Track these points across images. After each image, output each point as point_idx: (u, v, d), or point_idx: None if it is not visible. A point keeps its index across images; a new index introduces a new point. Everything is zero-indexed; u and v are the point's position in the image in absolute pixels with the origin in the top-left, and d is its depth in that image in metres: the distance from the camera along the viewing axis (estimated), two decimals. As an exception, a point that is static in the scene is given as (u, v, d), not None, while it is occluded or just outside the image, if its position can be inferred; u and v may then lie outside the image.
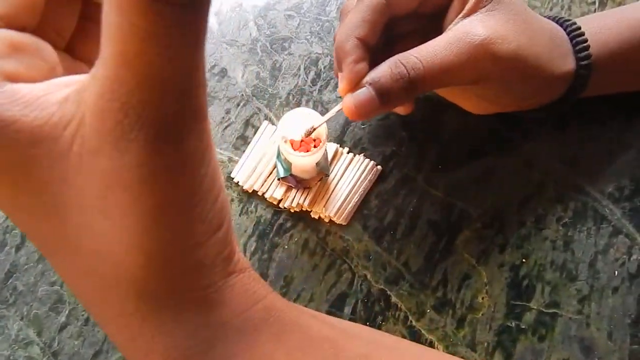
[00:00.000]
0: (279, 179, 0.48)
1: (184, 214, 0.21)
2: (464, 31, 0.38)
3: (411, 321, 0.46)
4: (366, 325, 0.46)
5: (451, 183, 0.49)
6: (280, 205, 0.49)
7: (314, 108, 0.52)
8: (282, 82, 0.53)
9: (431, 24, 0.42)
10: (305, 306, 0.46)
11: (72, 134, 0.19)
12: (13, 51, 0.21)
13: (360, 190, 0.49)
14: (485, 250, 0.47)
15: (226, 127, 0.52)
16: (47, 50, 0.22)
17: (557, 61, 0.41)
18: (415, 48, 0.39)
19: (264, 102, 0.52)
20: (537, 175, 0.49)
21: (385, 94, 0.38)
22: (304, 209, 0.48)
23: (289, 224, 0.49)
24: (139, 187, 0.19)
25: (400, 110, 0.47)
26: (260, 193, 0.49)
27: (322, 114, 0.42)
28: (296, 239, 0.48)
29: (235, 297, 0.24)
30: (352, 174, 0.49)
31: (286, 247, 0.48)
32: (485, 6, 0.39)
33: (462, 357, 0.44)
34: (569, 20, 0.43)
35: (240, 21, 0.55)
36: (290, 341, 0.25)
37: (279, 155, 0.48)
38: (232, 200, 0.49)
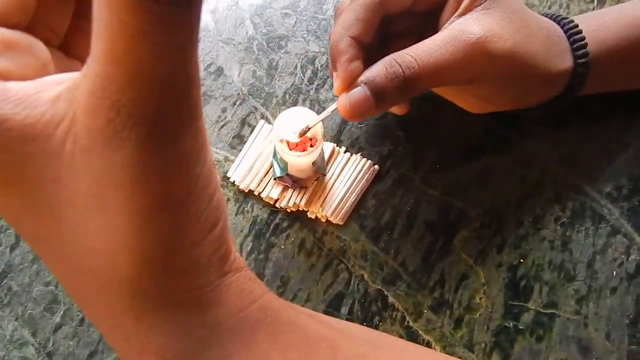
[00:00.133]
0: (275, 179, 0.48)
1: (179, 213, 0.20)
2: (460, 30, 0.38)
3: (408, 321, 0.45)
4: (363, 325, 0.45)
5: (448, 183, 0.49)
6: (277, 205, 0.48)
7: (310, 107, 0.51)
8: (278, 80, 0.53)
9: (427, 23, 0.42)
10: (302, 306, 0.46)
11: (64, 132, 0.19)
12: (4, 49, 0.20)
13: (357, 190, 0.48)
14: (482, 250, 0.47)
15: (222, 126, 0.51)
16: (39, 47, 0.22)
17: (554, 59, 0.41)
18: (410, 47, 0.38)
19: (260, 101, 0.52)
20: (535, 175, 0.49)
21: (380, 94, 0.38)
22: (300, 209, 0.48)
23: (285, 224, 0.48)
24: (131, 186, 0.19)
25: (396, 110, 0.46)
26: (256, 193, 0.49)
27: (319, 113, 0.42)
28: (293, 239, 0.48)
29: (231, 297, 0.24)
30: (348, 174, 0.49)
31: (283, 247, 0.48)
32: (481, 4, 0.39)
33: (459, 358, 0.44)
34: (566, 18, 0.43)
35: (236, 19, 0.55)
36: (286, 341, 0.25)
37: (275, 154, 0.48)
38: (228, 199, 0.49)
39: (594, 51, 0.42)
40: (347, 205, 0.48)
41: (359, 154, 0.50)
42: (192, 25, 0.17)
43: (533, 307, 0.45)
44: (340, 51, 0.39)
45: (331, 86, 0.52)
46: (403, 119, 0.50)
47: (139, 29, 0.16)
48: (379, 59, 0.39)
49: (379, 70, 0.38)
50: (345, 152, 0.50)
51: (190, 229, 0.21)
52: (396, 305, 0.46)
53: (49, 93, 0.19)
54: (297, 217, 0.49)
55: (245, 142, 0.50)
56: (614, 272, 0.46)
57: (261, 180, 0.49)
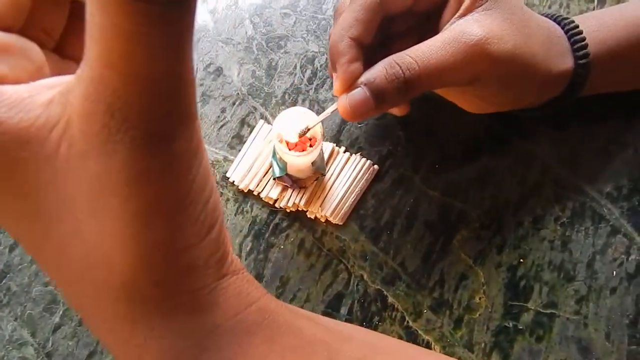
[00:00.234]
0: (274, 179, 0.48)
1: (175, 216, 0.20)
2: (460, 31, 0.38)
3: (408, 322, 0.45)
4: (363, 325, 0.45)
5: (448, 183, 0.49)
6: (276, 205, 0.48)
7: (310, 107, 0.51)
8: (278, 80, 0.53)
9: (428, 24, 0.42)
10: (301, 307, 0.46)
11: (58, 137, 0.18)
12: None
13: (356, 190, 0.48)
14: (482, 250, 0.47)
15: (221, 126, 0.51)
16: (34, 50, 0.22)
17: (555, 60, 0.41)
18: (410, 48, 0.38)
19: (259, 101, 0.52)
20: (535, 175, 0.49)
21: (380, 95, 0.38)
22: (300, 209, 0.48)
23: (284, 224, 0.48)
24: (127, 190, 0.19)
25: (396, 111, 0.46)
26: (255, 193, 0.49)
27: (319, 113, 0.42)
28: (292, 239, 0.48)
29: (228, 299, 0.24)
30: (348, 174, 0.49)
31: (282, 247, 0.48)
32: (481, 5, 0.38)
33: (459, 358, 0.44)
34: (566, 18, 0.43)
35: (235, 19, 0.55)
36: (284, 344, 0.25)
37: (274, 154, 0.48)
38: (228, 200, 0.49)
39: (594, 52, 0.42)
40: (346, 205, 0.48)
41: (359, 153, 0.49)
42: (187, 26, 0.17)
43: (533, 307, 0.45)
44: (339, 52, 0.39)
45: (331, 86, 0.52)
46: (403, 119, 0.50)
47: (133, 32, 0.16)
48: (380, 60, 0.38)
49: (379, 71, 0.38)
50: (344, 152, 0.50)
51: (187, 232, 0.21)
52: (396, 306, 0.46)
53: (43, 97, 0.19)
54: (297, 217, 0.48)
55: (245, 142, 0.50)
56: (614, 272, 0.46)
57: (260, 180, 0.49)
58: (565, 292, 0.45)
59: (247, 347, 0.24)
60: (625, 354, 0.44)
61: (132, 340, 0.22)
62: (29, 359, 0.45)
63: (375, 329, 0.45)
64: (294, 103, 0.52)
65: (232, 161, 0.50)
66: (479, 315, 0.45)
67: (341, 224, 0.48)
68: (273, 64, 0.53)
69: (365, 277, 0.47)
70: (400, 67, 0.37)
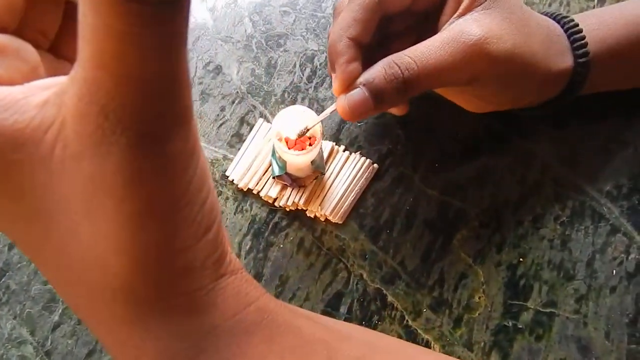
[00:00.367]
0: (274, 178, 0.48)
1: (171, 217, 0.20)
2: (459, 30, 0.38)
3: (407, 321, 0.45)
4: (362, 324, 0.45)
5: (448, 182, 0.49)
6: (276, 204, 0.48)
7: (309, 105, 0.51)
8: (277, 79, 0.53)
9: (426, 23, 0.42)
10: (301, 306, 0.46)
11: (53, 138, 0.18)
12: None
13: (356, 189, 0.48)
14: (482, 249, 0.47)
15: (221, 125, 0.51)
16: (29, 51, 0.22)
17: (554, 59, 0.41)
18: (409, 48, 0.38)
19: (259, 99, 0.52)
20: (535, 174, 0.48)
21: (379, 95, 0.38)
22: (299, 208, 0.48)
23: (284, 223, 0.48)
24: (122, 192, 0.19)
25: (395, 111, 0.46)
26: (255, 191, 0.49)
27: (318, 111, 0.42)
28: (291, 238, 0.48)
29: (226, 300, 0.24)
30: (347, 173, 0.49)
31: (281, 246, 0.48)
32: (480, 5, 0.38)
33: (458, 357, 0.44)
34: (566, 17, 0.43)
35: (235, 17, 0.55)
36: (283, 343, 0.25)
37: (274, 153, 0.47)
38: (227, 198, 0.49)
39: (594, 50, 0.41)
40: (346, 204, 0.48)
41: (358, 152, 0.49)
42: (179, 27, 0.17)
43: (532, 307, 0.45)
44: (338, 52, 0.39)
45: (330, 85, 0.52)
46: (402, 118, 0.50)
47: (126, 32, 0.16)
48: (379, 60, 0.38)
49: (377, 71, 0.38)
50: (344, 150, 0.50)
51: (183, 233, 0.21)
52: (395, 305, 0.46)
53: (38, 98, 0.19)
54: (296, 216, 0.48)
55: (244, 140, 0.50)
56: (614, 271, 0.46)
57: (260, 179, 0.49)
58: (565, 291, 0.45)
59: (245, 347, 0.24)
60: (624, 353, 0.44)
61: (129, 342, 0.22)
62: (28, 358, 0.45)
63: (374, 328, 0.45)
64: (294, 101, 0.52)
65: (231, 160, 0.50)
66: (479, 314, 0.45)
67: (341, 222, 0.48)
68: (272, 62, 0.53)
69: (364, 276, 0.46)
70: (399, 67, 0.37)
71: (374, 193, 0.49)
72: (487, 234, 0.47)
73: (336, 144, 0.50)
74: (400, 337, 0.45)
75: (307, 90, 0.52)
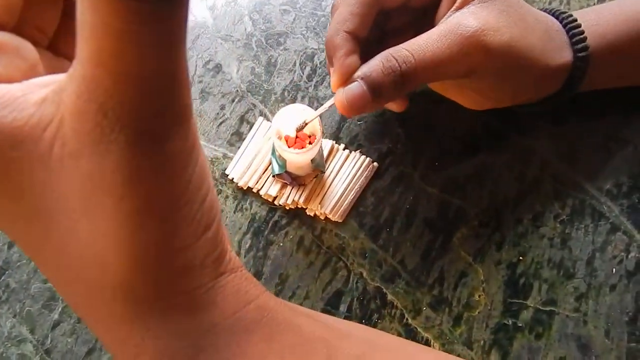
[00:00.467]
0: (274, 176, 0.48)
1: (171, 216, 0.20)
2: (456, 23, 0.38)
3: (407, 319, 0.45)
4: (362, 323, 0.45)
5: (447, 180, 0.49)
6: (276, 202, 0.48)
7: (309, 104, 0.51)
8: (277, 77, 0.52)
9: (424, 18, 0.42)
10: (301, 304, 0.46)
11: (52, 136, 0.18)
12: None
13: (356, 188, 0.48)
14: (481, 248, 0.47)
15: (221, 123, 0.51)
16: (27, 48, 0.22)
17: (553, 53, 0.41)
18: (407, 42, 0.38)
19: (259, 98, 0.52)
20: (534, 172, 0.48)
21: (377, 88, 0.38)
22: (299, 206, 0.48)
23: (284, 221, 0.48)
24: (120, 190, 0.19)
25: (394, 107, 0.46)
26: (255, 190, 0.48)
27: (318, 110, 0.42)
28: (291, 237, 0.48)
29: (226, 298, 0.24)
30: (347, 171, 0.49)
31: (281, 244, 0.48)
32: None
33: (458, 356, 0.44)
34: (564, 12, 0.43)
35: (235, 16, 0.55)
36: (283, 342, 0.25)
37: (273, 151, 0.47)
38: (227, 197, 0.49)
39: (593, 46, 0.41)
40: (346, 202, 0.48)
41: (358, 151, 0.49)
42: (178, 24, 0.17)
43: (532, 305, 0.45)
44: (336, 46, 0.39)
45: (330, 83, 0.52)
46: (402, 116, 0.50)
47: (124, 30, 0.16)
48: None
49: (375, 65, 0.38)
50: (344, 149, 0.50)
51: (182, 231, 0.21)
52: (395, 303, 0.46)
53: (36, 95, 0.19)
54: (296, 214, 0.48)
55: (244, 139, 0.50)
56: (614, 270, 0.46)
57: (260, 178, 0.49)
58: (565, 290, 0.45)
59: (245, 345, 0.24)
60: (624, 351, 0.44)
61: (129, 340, 0.22)
62: (27, 356, 0.45)
63: (374, 326, 0.45)
64: (294, 100, 0.52)
65: (231, 158, 0.50)
66: (478, 312, 0.45)
67: (340, 221, 0.48)
68: (272, 60, 0.53)
69: (364, 274, 0.46)
70: (397, 61, 0.37)
71: (374, 191, 0.49)
72: (487, 232, 0.47)
73: (336, 143, 0.50)
74: (400, 335, 0.45)
75: (307, 88, 0.52)
